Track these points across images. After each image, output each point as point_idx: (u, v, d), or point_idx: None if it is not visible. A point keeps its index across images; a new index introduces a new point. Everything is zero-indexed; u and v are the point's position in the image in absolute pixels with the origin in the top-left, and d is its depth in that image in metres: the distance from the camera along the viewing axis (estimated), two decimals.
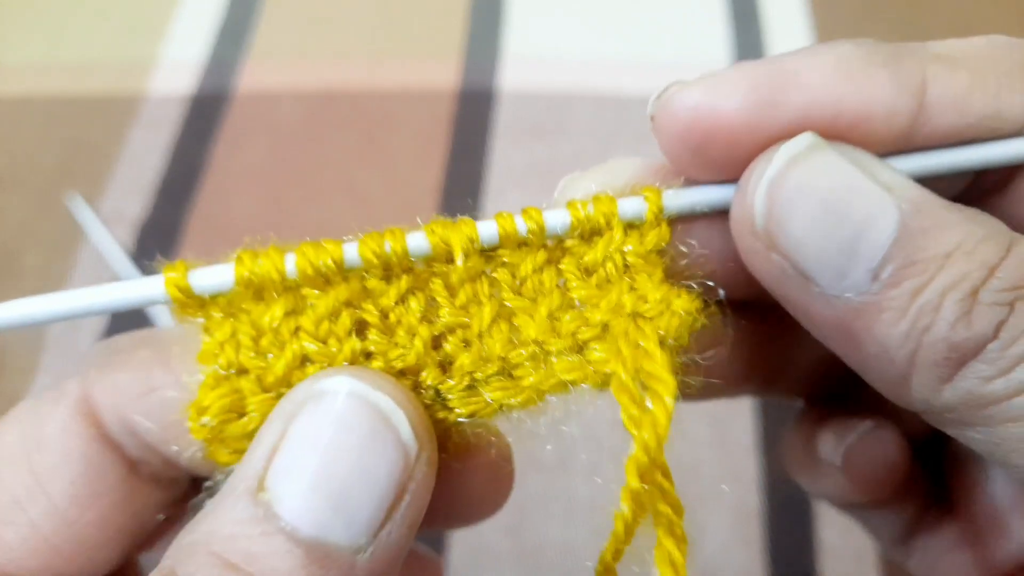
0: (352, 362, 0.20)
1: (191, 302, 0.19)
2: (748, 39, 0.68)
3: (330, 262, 0.19)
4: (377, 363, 0.20)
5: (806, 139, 0.18)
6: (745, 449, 0.50)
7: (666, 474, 0.18)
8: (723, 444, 0.50)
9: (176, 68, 0.67)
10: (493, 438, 0.22)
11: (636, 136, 0.63)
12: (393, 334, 0.20)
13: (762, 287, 0.19)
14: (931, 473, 0.27)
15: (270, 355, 0.19)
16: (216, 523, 0.17)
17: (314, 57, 0.68)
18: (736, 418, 0.51)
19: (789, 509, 0.48)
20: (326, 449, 0.17)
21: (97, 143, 0.63)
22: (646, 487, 0.18)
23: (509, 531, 0.47)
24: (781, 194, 0.17)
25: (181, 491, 0.23)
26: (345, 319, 0.19)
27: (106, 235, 0.56)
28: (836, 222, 0.17)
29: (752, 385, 0.25)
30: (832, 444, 0.25)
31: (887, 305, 0.17)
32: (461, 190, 0.60)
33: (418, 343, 0.19)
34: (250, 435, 0.19)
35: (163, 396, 0.20)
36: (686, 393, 0.20)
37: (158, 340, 0.21)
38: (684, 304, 0.19)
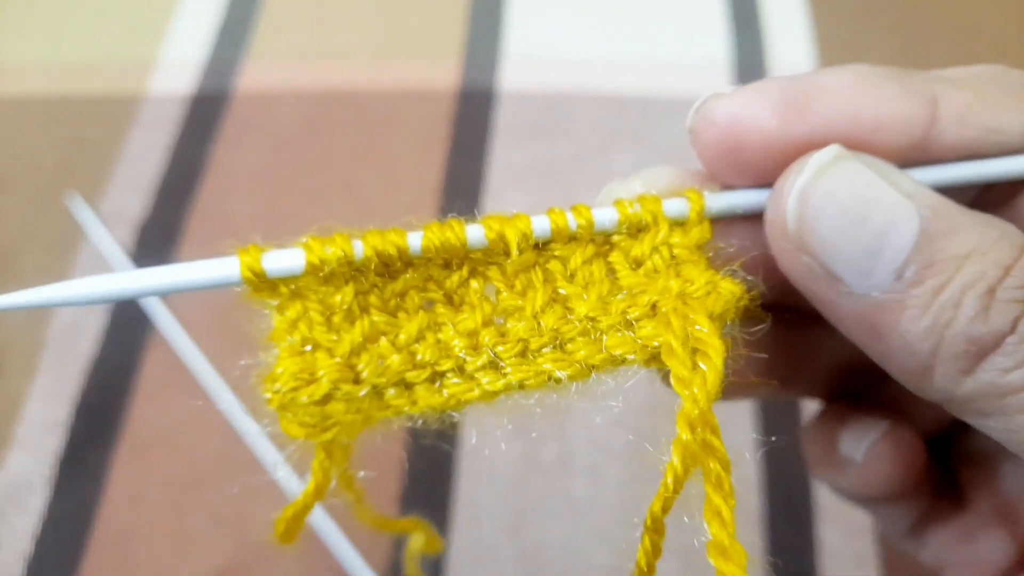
0: (421, 333, 0.21)
1: (263, 284, 0.20)
2: (748, 39, 0.68)
3: (395, 250, 0.20)
4: (445, 332, 0.21)
5: (833, 150, 0.19)
6: (745, 449, 0.50)
7: (715, 431, 0.19)
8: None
9: (176, 68, 0.67)
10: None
11: (636, 136, 0.63)
12: (458, 310, 0.21)
13: (789, 289, 0.21)
14: (941, 469, 0.28)
15: (341, 330, 0.21)
16: None
17: (314, 57, 0.68)
18: (736, 419, 0.51)
19: (789, 509, 0.48)
20: None
21: (97, 143, 0.63)
22: (694, 441, 0.18)
23: (509, 531, 0.47)
24: (811, 201, 0.19)
25: None
26: (413, 297, 0.21)
27: (106, 235, 0.56)
28: (861, 226, 0.19)
29: (774, 384, 0.26)
30: (853, 442, 0.26)
31: (910, 302, 0.18)
32: (461, 190, 0.60)
33: (478, 314, 0.21)
34: (320, 401, 0.20)
35: None
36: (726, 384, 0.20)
37: None
38: (730, 286, 0.20)
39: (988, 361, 0.18)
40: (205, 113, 0.64)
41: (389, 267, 0.20)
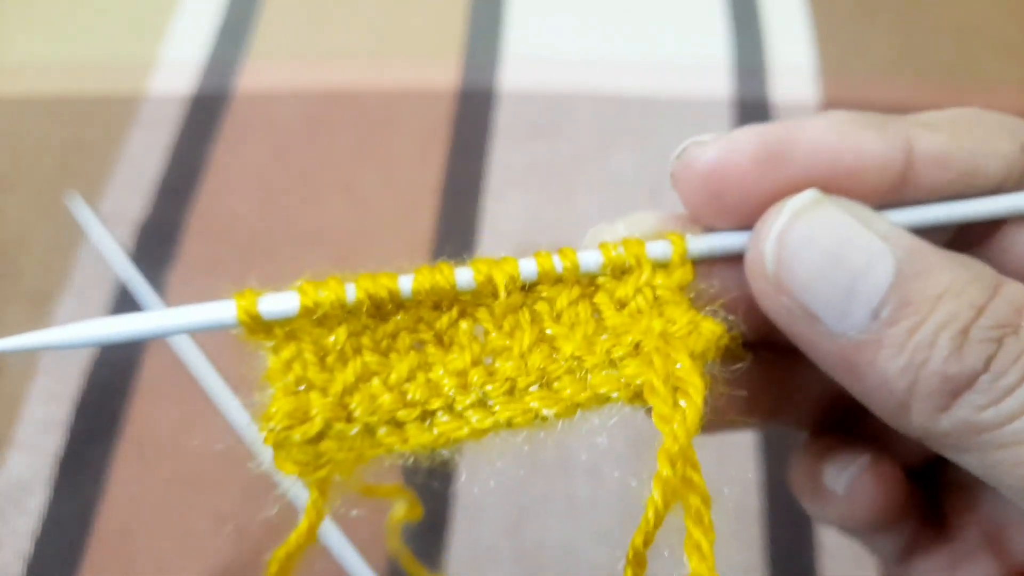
0: (411, 373, 0.21)
1: (259, 327, 0.21)
2: (748, 39, 0.68)
3: (386, 294, 0.21)
4: (435, 372, 0.21)
5: (810, 195, 0.20)
6: (745, 450, 0.50)
7: (695, 467, 0.19)
8: (723, 445, 0.50)
9: (176, 68, 0.67)
10: None
11: (636, 136, 0.63)
12: (448, 350, 0.22)
13: (770, 327, 0.21)
14: (928, 497, 0.28)
15: (334, 371, 0.21)
16: None
17: (314, 57, 0.68)
18: None
19: (789, 510, 0.48)
20: None
21: (97, 143, 0.63)
22: (675, 477, 0.19)
23: (509, 531, 0.47)
24: (788, 244, 0.20)
25: None
26: (404, 338, 0.22)
27: (106, 235, 0.56)
28: (838, 268, 0.19)
29: (757, 419, 0.27)
30: (835, 475, 0.27)
31: (886, 342, 0.19)
32: (461, 190, 0.60)
33: (467, 354, 0.22)
34: (313, 440, 0.20)
35: None
36: (707, 419, 0.21)
37: None
38: (711, 326, 0.21)
39: (963, 399, 0.18)
40: (205, 113, 0.64)
41: (381, 309, 0.21)
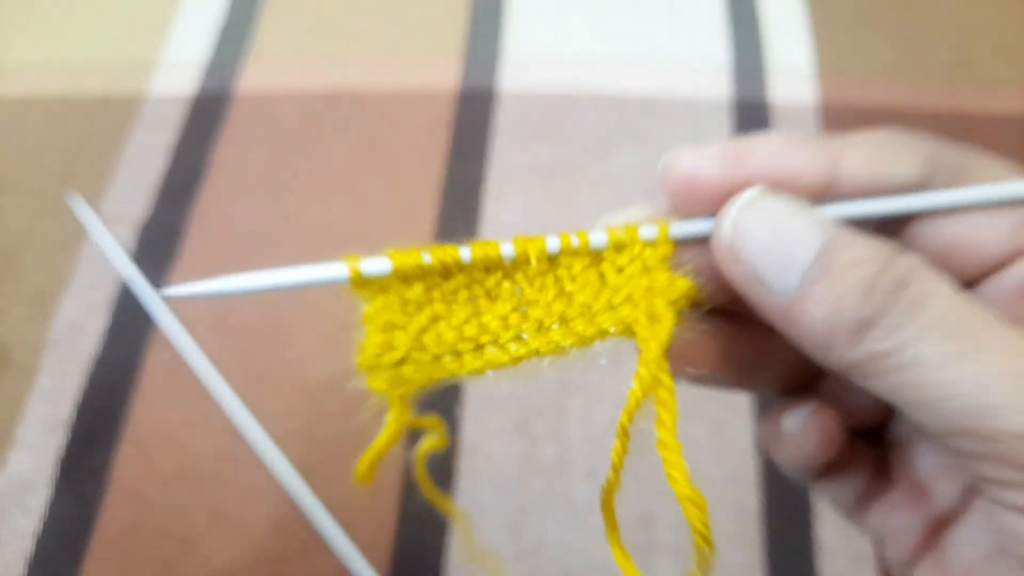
0: (468, 318, 0.29)
1: (361, 283, 0.28)
2: (748, 39, 0.68)
3: (451, 260, 0.28)
4: (485, 317, 0.29)
5: (756, 190, 0.28)
6: (744, 450, 0.50)
7: (664, 371, 0.27)
8: (722, 445, 0.50)
9: (177, 69, 0.67)
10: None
11: (636, 136, 0.63)
12: (494, 302, 0.30)
13: (735, 296, 0.28)
14: (878, 454, 0.35)
15: (413, 316, 0.29)
16: None
17: (314, 58, 0.68)
18: (735, 420, 0.51)
19: (789, 510, 0.48)
20: None
21: (98, 144, 0.63)
22: (649, 376, 0.27)
23: (509, 531, 0.47)
24: (741, 226, 0.27)
25: None
26: (463, 293, 0.29)
27: (107, 235, 0.56)
28: (778, 244, 0.26)
29: (729, 377, 0.34)
30: (791, 419, 0.34)
31: (814, 297, 0.26)
32: (461, 191, 0.60)
33: (508, 305, 0.29)
34: (396, 364, 0.28)
35: None
36: (683, 370, 0.29)
37: None
38: (683, 283, 0.29)
39: (868, 335, 0.25)
40: (206, 114, 0.64)
41: (447, 271, 0.29)
